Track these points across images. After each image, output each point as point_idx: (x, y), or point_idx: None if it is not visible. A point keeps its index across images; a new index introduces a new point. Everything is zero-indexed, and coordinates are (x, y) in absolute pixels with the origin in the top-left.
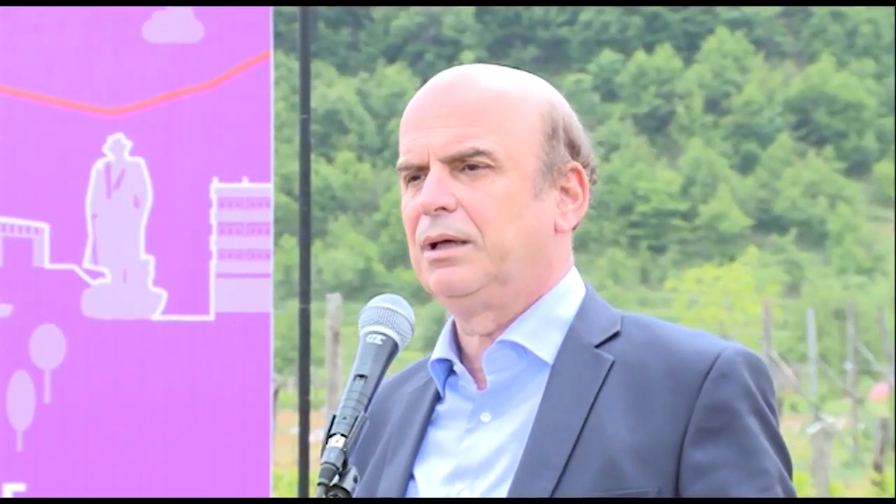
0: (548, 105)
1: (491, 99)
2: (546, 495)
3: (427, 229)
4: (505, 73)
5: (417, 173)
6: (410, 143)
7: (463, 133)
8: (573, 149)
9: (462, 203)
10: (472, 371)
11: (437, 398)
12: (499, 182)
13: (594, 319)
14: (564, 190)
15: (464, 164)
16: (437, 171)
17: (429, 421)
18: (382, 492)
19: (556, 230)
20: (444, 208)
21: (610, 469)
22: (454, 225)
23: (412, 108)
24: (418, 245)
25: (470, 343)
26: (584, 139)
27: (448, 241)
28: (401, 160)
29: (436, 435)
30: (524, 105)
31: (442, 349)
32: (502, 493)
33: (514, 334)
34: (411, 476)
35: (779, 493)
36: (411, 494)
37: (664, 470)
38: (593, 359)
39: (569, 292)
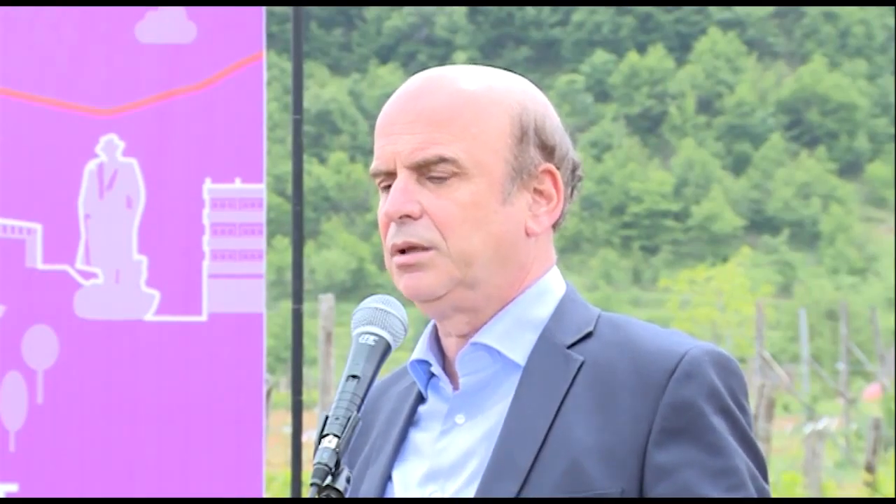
0: (518, 107)
1: (458, 104)
2: (511, 497)
3: (393, 236)
4: (476, 75)
5: (388, 180)
6: (379, 149)
7: (428, 140)
8: (545, 150)
9: (427, 210)
10: (451, 372)
11: (421, 399)
12: (464, 189)
13: (569, 320)
14: (538, 192)
15: (430, 171)
16: (403, 179)
17: (411, 422)
18: (364, 493)
19: (527, 233)
20: (408, 216)
21: (574, 471)
22: (418, 232)
23: (383, 113)
24: (388, 251)
25: (449, 344)
26: (561, 138)
27: (413, 248)
28: (371, 166)
29: (415, 436)
30: (492, 109)
31: (421, 350)
32: (470, 494)
33: (486, 336)
34: (389, 478)
35: (750, 491)
36: (388, 496)
37: (628, 471)
38: (563, 360)
39: (545, 293)
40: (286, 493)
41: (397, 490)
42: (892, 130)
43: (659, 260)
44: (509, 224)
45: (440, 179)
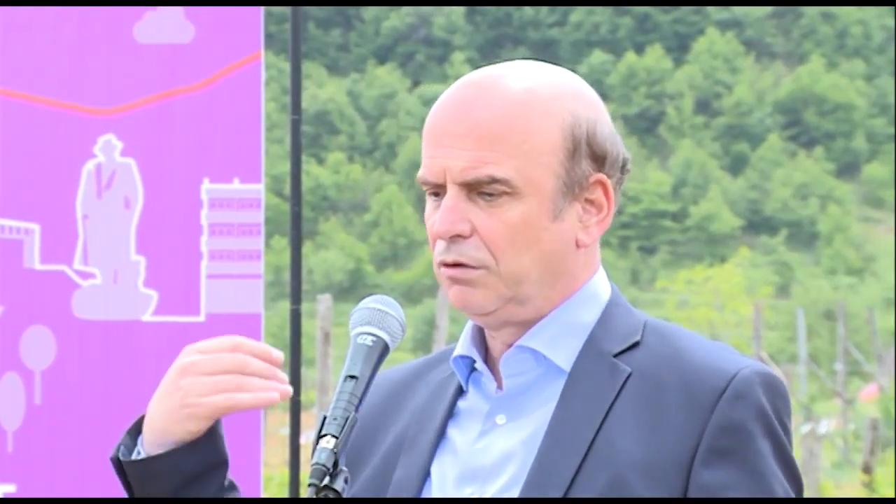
0: (571, 118)
1: (509, 119)
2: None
3: (442, 254)
4: (527, 81)
5: (437, 190)
6: (429, 159)
7: (479, 158)
8: (597, 160)
9: (477, 230)
10: (494, 369)
11: (460, 392)
12: (516, 208)
13: (616, 326)
14: (588, 202)
15: (481, 188)
16: (452, 196)
17: (450, 415)
18: (396, 481)
19: (578, 245)
20: (459, 235)
21: (617, 484)
22: (468, 252)
23: (433, 117)
24: (437, 263)
25: (494, 344)
26: (612, 143)
27: (463, 265)
28: (420, 173)
29: (454, 433)
30: (544, 123)
31: (464, 346)
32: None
33: (532, 340)
34: (428, 474)
35: None
36: (426, 493)
37: (671, 487)
38: (610, 369)
39: (592, 297)
40: (284, 494)
41: (435, 488)
42: (890, 131)
43: (657, 260)
44: (560, 240)
45: (491, 198)
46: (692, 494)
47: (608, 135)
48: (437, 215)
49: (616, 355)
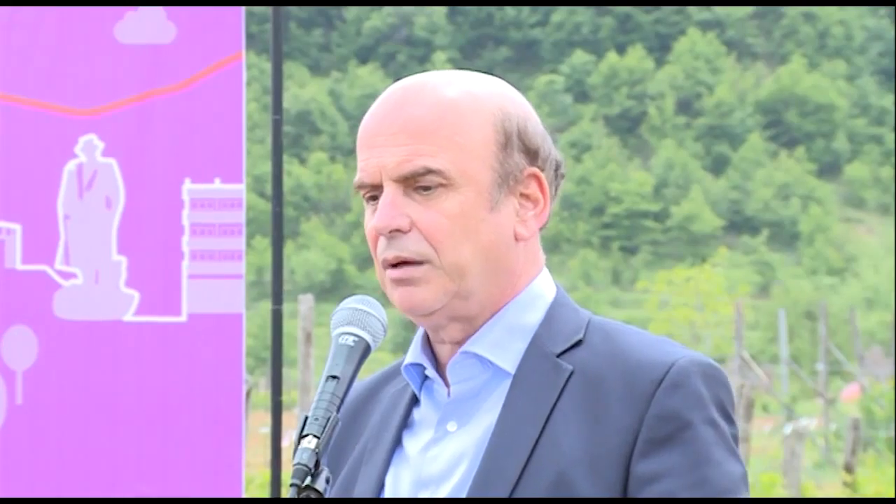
0: (500, 113)
1: (441, 114)
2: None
3: (384, 251)
4: (456, 81)
5: (374, 192)
6: (364, 162)
7: (413, 152)
8: (529, 154)
9: (416, 224)
10: (444, 376)
11: (415, 401)
12: (452, 199)
13: (559, 326)
14: (524, 196)
15: (417, 182)
16: (390, 193)
17: (405, 425)
18: (357, 494)
19: (516, 238)
20: (398, 230)
21: (560, 482)
22: (409, 246)
23: (366, 123)
24: (379, 264)
25: (441, 351)
26: (543, 140)
27: (405, 262)
28: (356, 179)
29: (408, 442)
30: (476, 117)
31: (414, 354)
32: None
33: (476, 345)
34: (383, 484)
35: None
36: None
37: (614, 481)
38: (553, 368)
39: (536, 298)
40: (265, 494)
41: (389, 496)
42: (871, 131)
43: (638, 260)
44: (498, 231)
45: (427, 191)
46: (631, 486)
47: (539, 132)
48: (376, 213)
49: (559, 355)
